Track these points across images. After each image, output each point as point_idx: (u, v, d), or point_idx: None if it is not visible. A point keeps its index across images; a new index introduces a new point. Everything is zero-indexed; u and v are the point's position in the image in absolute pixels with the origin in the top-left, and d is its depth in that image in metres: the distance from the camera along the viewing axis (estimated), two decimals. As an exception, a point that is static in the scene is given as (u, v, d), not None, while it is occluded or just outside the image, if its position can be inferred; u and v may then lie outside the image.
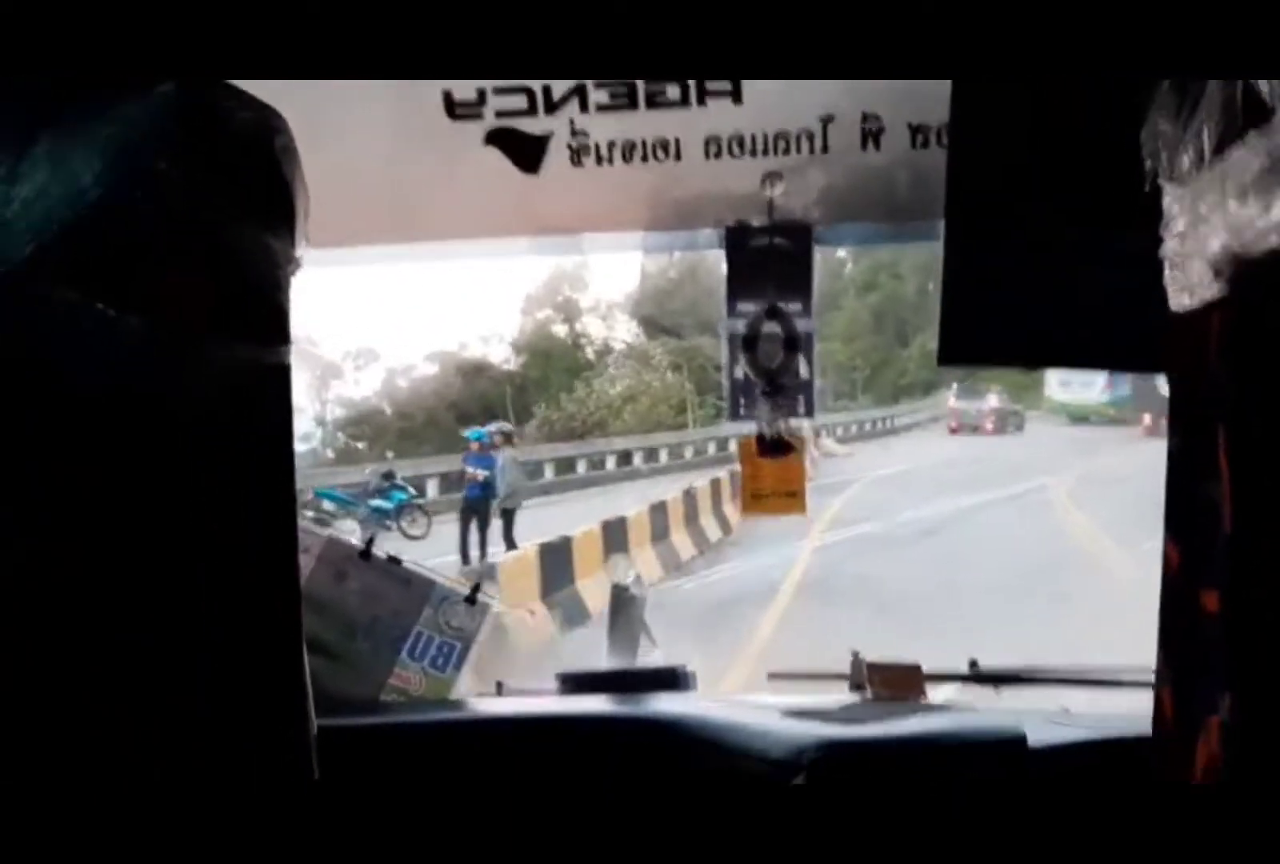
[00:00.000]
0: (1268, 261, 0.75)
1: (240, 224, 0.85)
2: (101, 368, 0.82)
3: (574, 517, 11.99)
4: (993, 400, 27.98)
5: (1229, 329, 0.81)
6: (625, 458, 21.55)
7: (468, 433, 13.69)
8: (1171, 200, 0.89)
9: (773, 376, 1.90)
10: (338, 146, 1.70)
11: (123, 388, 0.81)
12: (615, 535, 10.75)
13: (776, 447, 1.91)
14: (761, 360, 1.89)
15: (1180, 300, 0.88)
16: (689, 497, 13.02)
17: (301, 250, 0.93)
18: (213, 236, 0.83)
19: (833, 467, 18.10)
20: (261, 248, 0.87)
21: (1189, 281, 0.86)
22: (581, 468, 20.64)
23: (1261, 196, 0.75)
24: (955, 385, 28.78)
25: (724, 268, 1.90)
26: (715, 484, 13.63)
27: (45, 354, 0.82)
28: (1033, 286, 1.48)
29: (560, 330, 30.13)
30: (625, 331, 30.71)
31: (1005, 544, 11.76)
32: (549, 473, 19.21)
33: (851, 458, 21.33)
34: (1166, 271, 0.91)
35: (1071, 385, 28.86)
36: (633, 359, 27.37)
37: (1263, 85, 0.78)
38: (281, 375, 0.90)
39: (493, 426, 13.45)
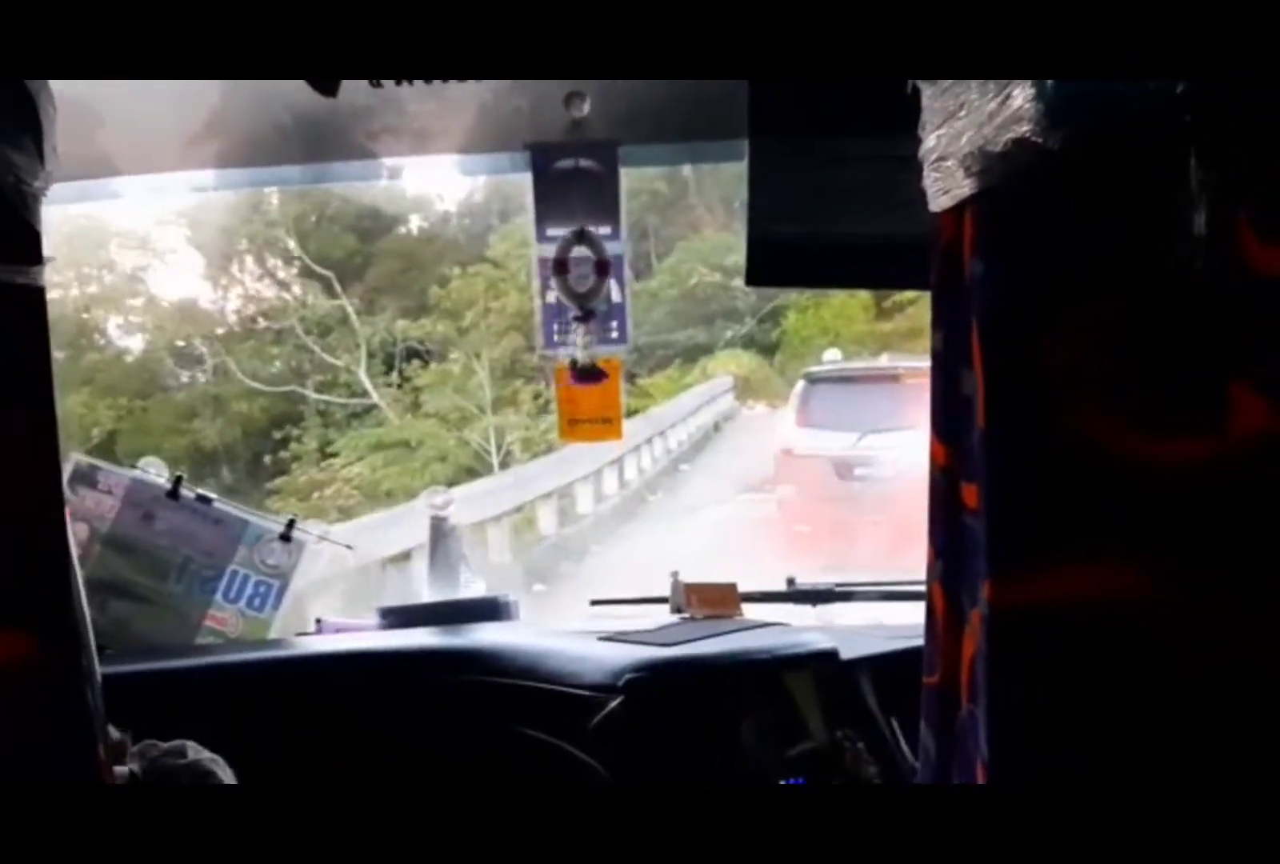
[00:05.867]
0: (1012, 153, 0.77)
1: None
2: None
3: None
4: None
5: (979, 223, 0.84)
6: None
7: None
8: (926, 100, 0.91)
9: (583, 301, 1.93)
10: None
11: None
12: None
13: (590, 373, 1.94)
14: (573, 285, 1.92)
15: (939, 201, 0.90)
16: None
17: (50, 166, 0.91)
18: None
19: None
20: (3, 162, 0.86)
21: (945, 182, 0.88)
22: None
23: (1001, 88, 0.77)
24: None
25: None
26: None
27: None
28: (828, 206, 1.54)
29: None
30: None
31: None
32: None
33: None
34: (925, 173, 0.93)
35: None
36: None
37: None
38: (35, 296, 0.89)
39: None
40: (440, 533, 2.06)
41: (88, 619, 1.05)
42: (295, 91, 1.76)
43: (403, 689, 1.74)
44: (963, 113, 0.84)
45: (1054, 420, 0.78)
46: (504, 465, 13.15)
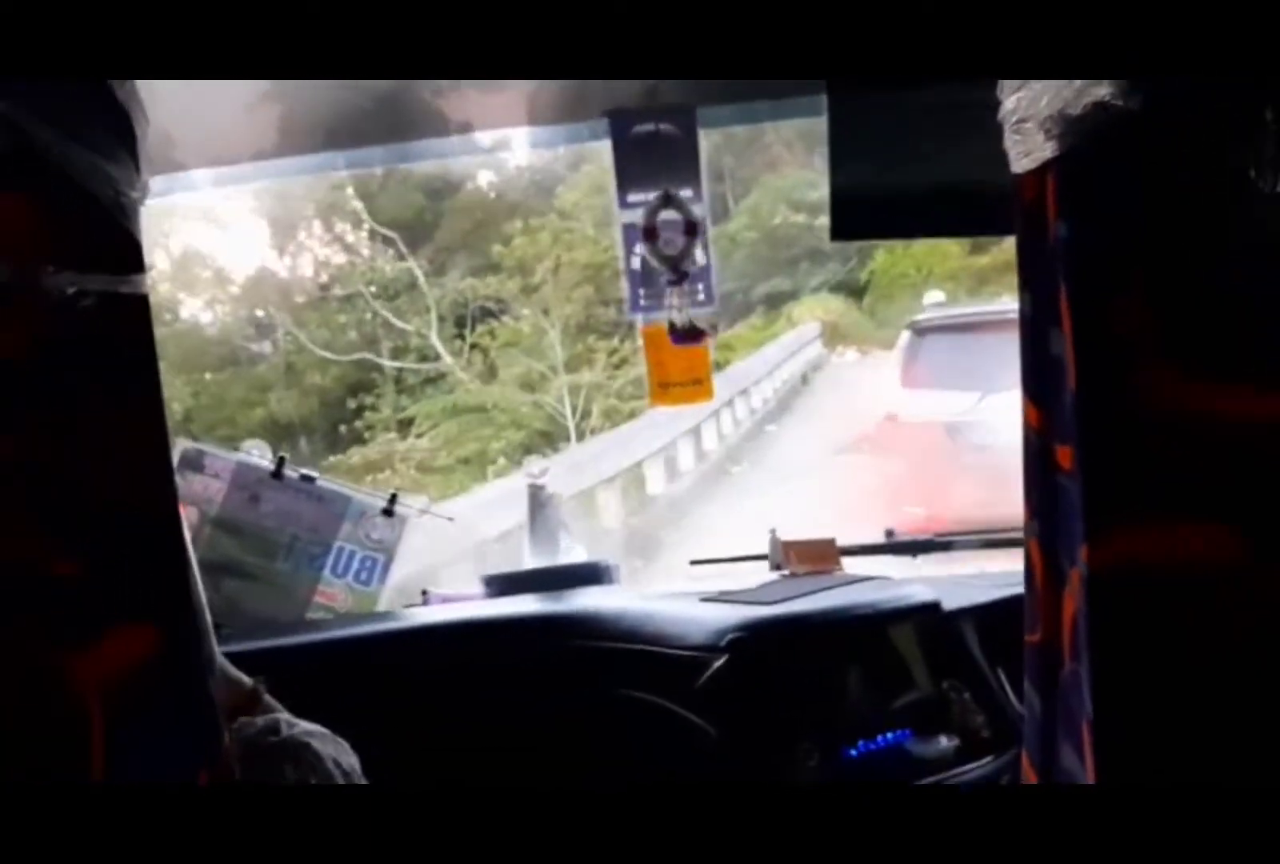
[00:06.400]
0: (1091, 116, 0.80)
1: (70, 150, 0.87)
2: None
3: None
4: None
5: (1061, 185, 0.86)
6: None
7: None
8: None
9: (675, 264, 1.99)
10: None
11: None
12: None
13: (690, 333, 2.00)
14: (663, 248, 1.98)
15: (1020, 163, 0.92)
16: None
17: (147, 176, 0.95)
18: (39, 164, 0.85)
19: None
20: (99, 175, 0.89)
21: (1026, 144, 0.91)
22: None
23: None
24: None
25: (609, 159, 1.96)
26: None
27: None
28: (910, 155, 1.58)
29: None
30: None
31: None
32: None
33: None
34: (1006, 135, 0.95)
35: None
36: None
37: None
38: (139, 304, 0.93)
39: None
40: (538, 501, 2.16)
41: (205, 607, 1.11)
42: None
43: (509, 657, 1.82)
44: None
45: (1145, 381, 0.81)
46: (581, 429, 13.29)
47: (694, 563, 2.24)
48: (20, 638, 0.84)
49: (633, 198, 2.01)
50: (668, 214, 1.99)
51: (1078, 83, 0.81)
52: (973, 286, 12.02)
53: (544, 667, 1.81)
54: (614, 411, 13.31)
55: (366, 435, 13.43)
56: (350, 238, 13.72)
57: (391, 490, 2.09)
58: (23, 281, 0.85)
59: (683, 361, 2.04)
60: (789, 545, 2.08)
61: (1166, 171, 0.82)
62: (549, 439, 13.37)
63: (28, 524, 0.84)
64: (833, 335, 14.56)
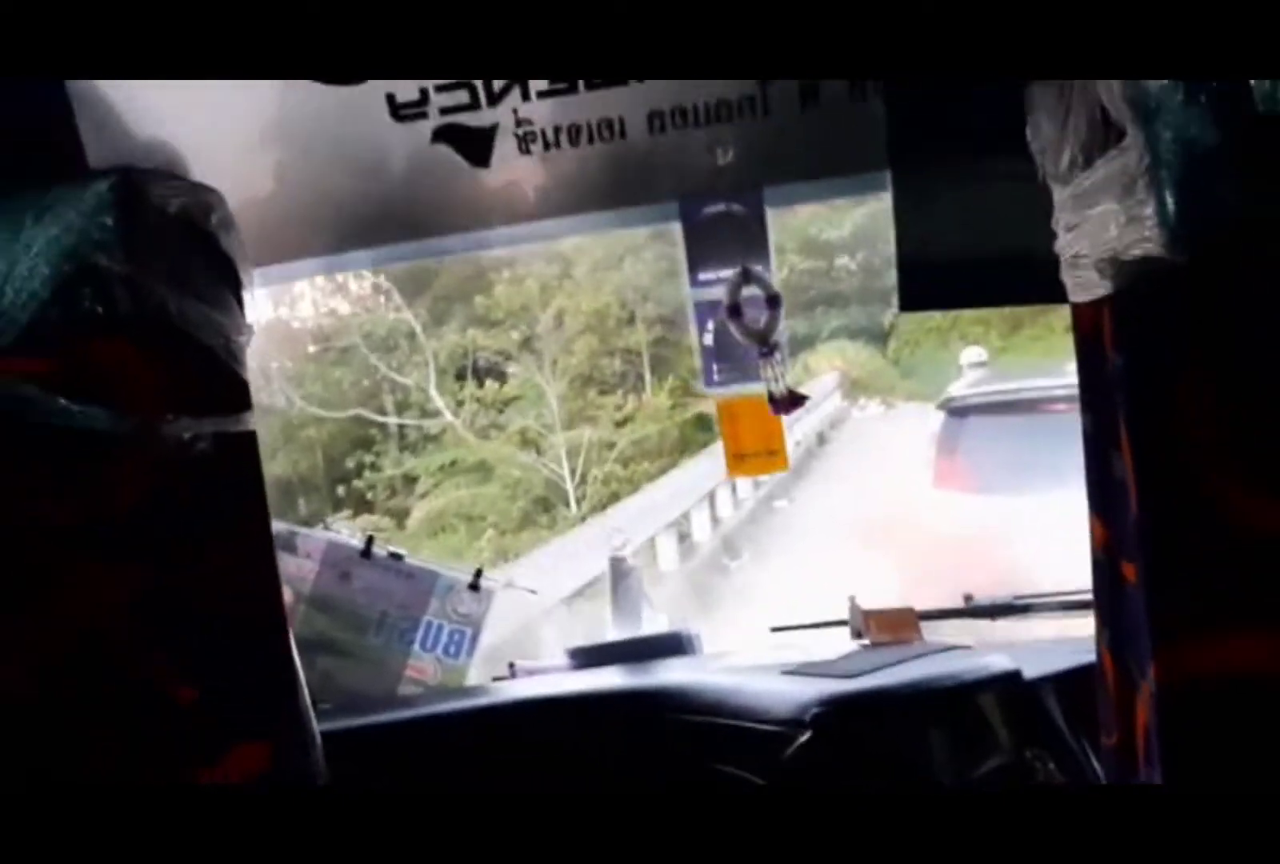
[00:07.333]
0: (1141, 265, 0.89)
1: (185, 306, 0.97)
2: (73, 458, 0.95)
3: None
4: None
5: (1117, 320, 0.95)
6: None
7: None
8: (1059, 198, 1.04)
9: (764, 337, 2.15)
10: (284, 157, 1.97)
11: (94, 474, 0.94)
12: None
13: (792, 401, 2.14)
14: (749, 324, 2.14)
15: (1077, 295, 1.02)
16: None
17: (251, 318, 1.06)
18: (160, 322, 0.95)
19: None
20: (210, 324, 0.99)
21: (1080, 279, 1.01)
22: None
23: (1128, 207, 0.90)
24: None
25: (681, 240, 2.15)
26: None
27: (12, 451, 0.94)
28: (975, 225, 1.69)
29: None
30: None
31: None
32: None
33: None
34: (1062, 267, 1.05)
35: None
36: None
37: (1117, 103, 0.93)
38: (247, 441, 1.04)
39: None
40: (620, 572, 2.34)
41: (314, 719, 1.20)
42: (448, 162, 2.07)
43: (597, 730, 1.95)
44: (1091, 219, 0.97)
45: (1203, 503, 0.89)
46: (580, 496, 13.32)
47: (774, 630, 2.39)
48: (153, 758, 0.93)
49: (703, 276, 2.20)
50: (749, 290, 2.17)
51: (1127, 237, 0.91)
52: (1005, 332, 11.82)
53: (631, 741, 1.94)
54: (613, 478, 13.38)
55: (369, 495, 13.50)
56: (354, 286, 13.81)
57: (478, 566, 2.27)
58: (146, 431, 0.96)
59: (757, 433, 2.21)
60: (869, 614, 2.22)
61: (1218, 310, 0.91)
62: (548, 506, 13.42)
63: (155, 654, 0.94)
64: (853, 386, 14.37)
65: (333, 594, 2.20)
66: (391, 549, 2.24)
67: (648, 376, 14.91)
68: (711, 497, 10.27)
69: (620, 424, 14.18)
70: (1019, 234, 1.55)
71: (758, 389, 2.18)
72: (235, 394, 1.04)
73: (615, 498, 12.84)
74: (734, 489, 10.92)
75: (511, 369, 14.45)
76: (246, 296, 1.07)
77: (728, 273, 2.18)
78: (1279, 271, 0.88)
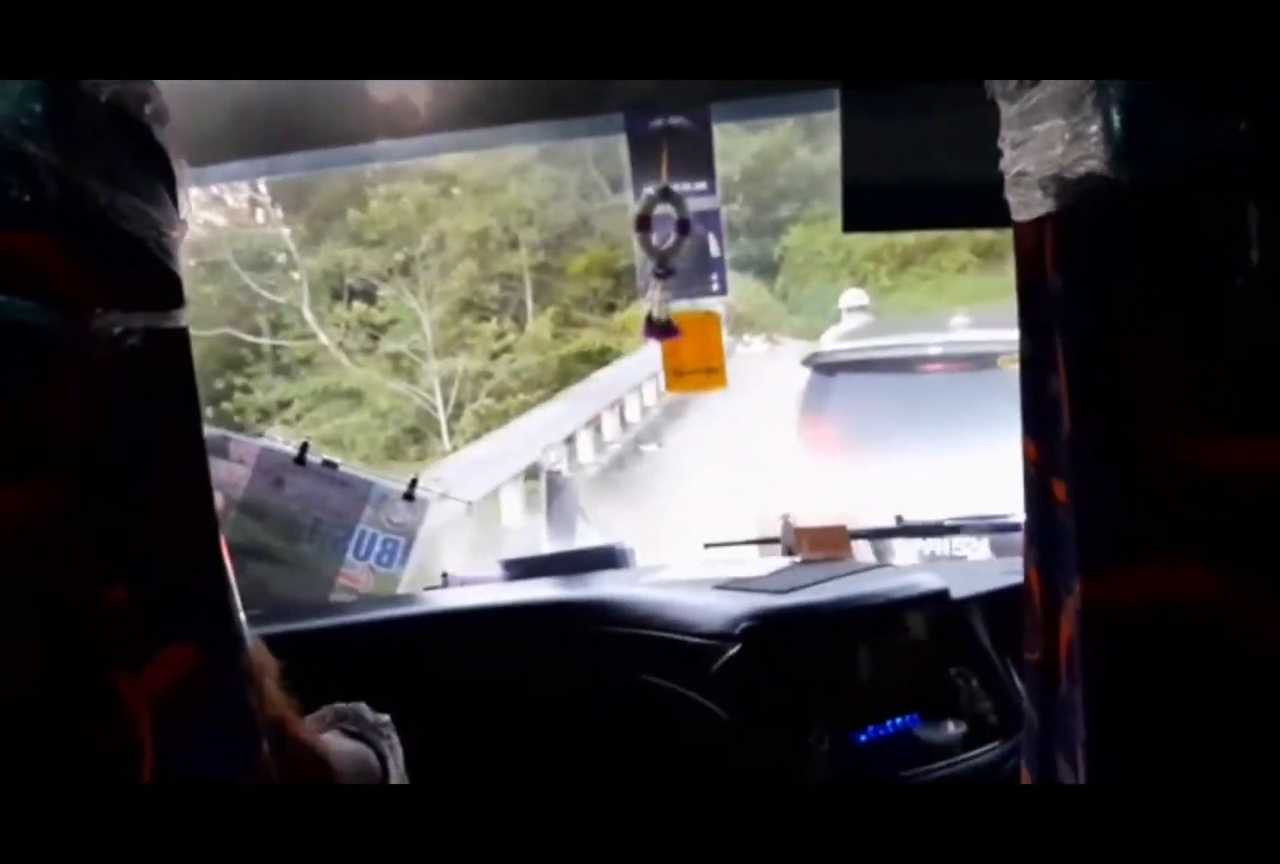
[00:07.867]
0: (1086, 180, 0.88)
1: (116, 197, 0.92)
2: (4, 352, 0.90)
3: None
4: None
5: (1058, 240, 0.94)
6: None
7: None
8: (1006, 115, 1.00)
9: (663, 259, 2.12)
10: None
11: (17, 368, 0.87)
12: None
13: (664, 329, 2.13)
14: (655, 243, 2.12)
15: (1019, 214, 1.00)
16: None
17: (185, 213, 1.01)
18: (89, 213, 0.90)
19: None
20: (142, 217, 0.95)
21: (1023, 197, 0.99)
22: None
23: (1074, 123, 0.88)
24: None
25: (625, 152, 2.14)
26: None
27: None
28: (921, 148, 1.71)
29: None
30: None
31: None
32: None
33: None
34: (1006, 185, 1.02)
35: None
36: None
37: None
38: (179, 338, 1.00)
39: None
40: (555, 486, 2.37)
41: (244, 623, 1.16)
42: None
43: (528, 641, 1.99)
44: (1037, 136, 0.96)
45: (1135, 429, 0.90)
46: (453, 424, 13.20)
47: (707, 546, 2.44)
48: (75, 662, 0.89)
49: (648, 190, 2.18)
50: (663, 208, 2.15)
51: (1072, 153, 0.90)
52: (895, 269, 11.86)
53: (561, 652, 1.98)
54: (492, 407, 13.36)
55: (237, 419, 13.31)
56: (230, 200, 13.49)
57: (413, 475, 2.27)
58: (73, 324, 0.91)
59: (695, 349, 2.21)
60: (801, 532, 2.28)
61: (1160, 237, 0.90)
62: (417, 436, 13.33)
63: (80, 556, 0.90)
64: (738, 321, 13.77)
65: (265, 500, 2.21)
66: (326, 457, 2.23)
67: (529, 303, 14.83)
68: (572, 440, 10.19)
69: (497, 355, 14.03)
70: (966, 156, 1.61)
71: (702, 305, 2.18)
72: (168, 289, 0.98)
73: (488, 431, 12.76)
74: (598, 429, 10.95)
75: (388, 291, 14.21)
76: (180, 191, 1.01)
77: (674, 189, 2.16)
78: (1231, 199, 0.88)
